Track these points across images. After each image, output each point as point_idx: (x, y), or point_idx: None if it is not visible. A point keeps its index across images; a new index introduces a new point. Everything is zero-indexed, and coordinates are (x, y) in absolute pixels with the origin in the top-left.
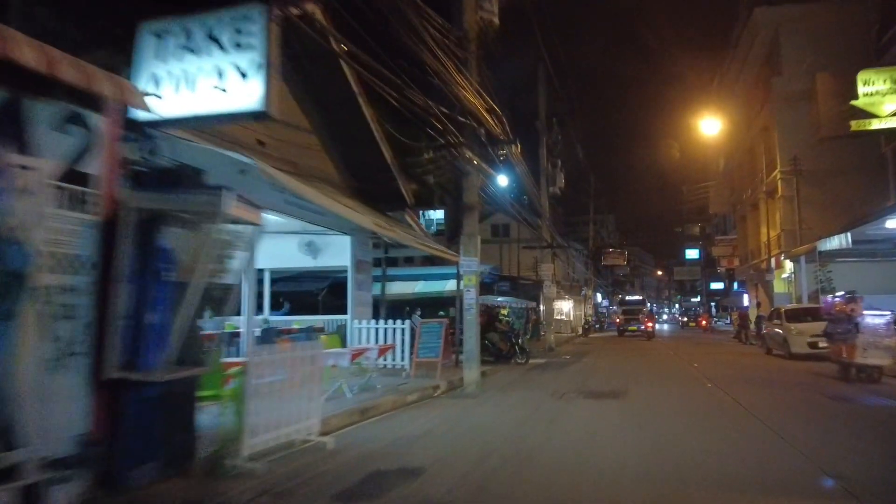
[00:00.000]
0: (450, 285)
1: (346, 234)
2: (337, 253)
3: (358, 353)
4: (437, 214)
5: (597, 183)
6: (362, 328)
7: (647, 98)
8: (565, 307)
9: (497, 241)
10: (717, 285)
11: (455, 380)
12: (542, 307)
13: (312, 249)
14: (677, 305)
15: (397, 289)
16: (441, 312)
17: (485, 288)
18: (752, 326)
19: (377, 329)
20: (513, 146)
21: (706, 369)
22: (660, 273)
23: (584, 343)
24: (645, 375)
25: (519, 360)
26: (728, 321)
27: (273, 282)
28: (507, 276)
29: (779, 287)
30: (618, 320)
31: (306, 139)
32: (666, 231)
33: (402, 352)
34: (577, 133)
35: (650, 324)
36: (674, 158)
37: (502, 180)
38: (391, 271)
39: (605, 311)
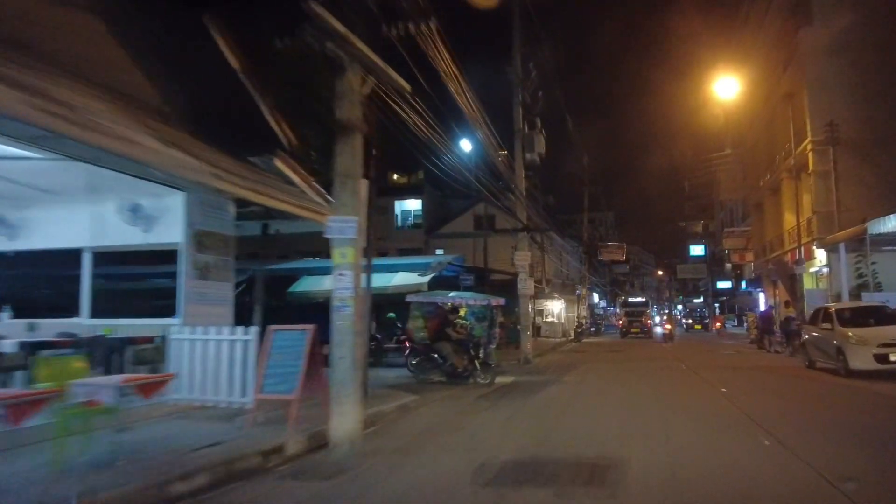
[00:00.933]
0: (413, 279)
1: (178, 189)
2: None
3: (131, 381)
4: (414, 205)
5: (592, 168)
6: (186, 340)
7: (648, 75)
8: (555, 308)
9: (480, 235)
10: (723, 284)
11: (323, 431)
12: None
13: (141, 217)
14: (679, 307)
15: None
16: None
17: (447, 284)
18: (777, 330)
19: (204, 341)
20: (426, 22)
21: (742, 398)
22: (660, 273)
23: (573, 351)
24: (651, 412)
25: (481, 380)
26: (737, 323)
27: (97, 266)
28: (478, 269)
29: (808, 283)
30: (621, 322)
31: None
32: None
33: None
34: (565, 102)
35: (668, 326)
36: (677, 158)
37: (464, 145)
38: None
39: (602, 311)
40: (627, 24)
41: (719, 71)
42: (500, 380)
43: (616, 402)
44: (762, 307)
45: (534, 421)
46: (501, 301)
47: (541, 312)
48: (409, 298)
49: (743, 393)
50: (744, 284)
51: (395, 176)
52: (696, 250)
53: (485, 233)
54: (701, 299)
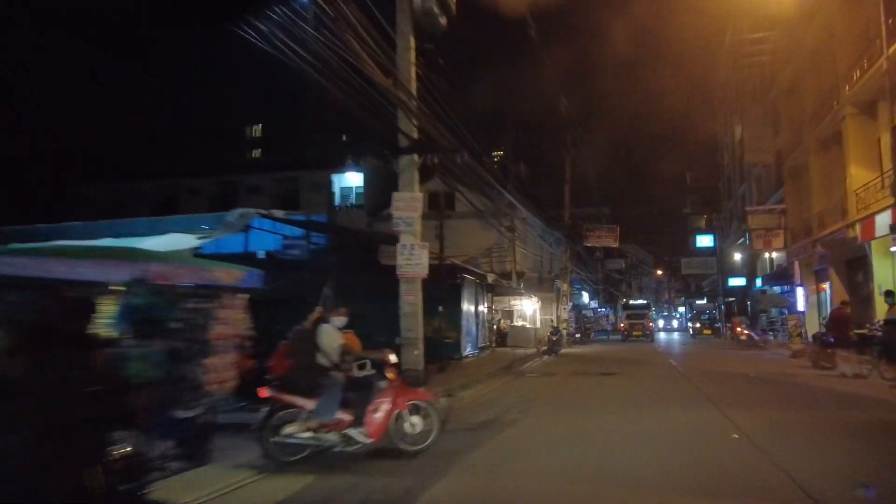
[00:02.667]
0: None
1: None
2: None
3: None
4: (355, 180)
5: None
6: None
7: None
8: (528, 308)
9: (435, 216)
10: (736, 281)
11: None
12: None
13: None
14: (682, 309)
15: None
16: None
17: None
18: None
19: None
20: None
21: None
22: (660, 273)
23: (538, 373)
24: None
25: None
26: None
27: None
28: (354, 233)
29: (882, 268)
30: (622, 325)
31: None
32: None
33: None
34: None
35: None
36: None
37: None
38: None
39: (592, 314)
40: None
41: None
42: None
43: None
44: (801, 305)
45: None
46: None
47: (510, 314)
48: None
49: None
50: (758, 282)
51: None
52: (704, 241)
53: (441, 213)
54: (704, 300)
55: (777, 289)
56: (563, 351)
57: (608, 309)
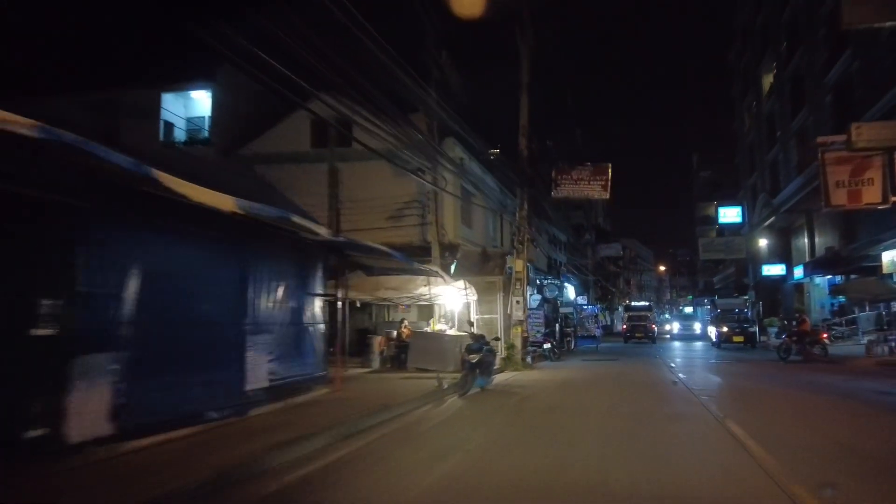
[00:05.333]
0: None
1: None
2: None
3: None
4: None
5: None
6: None
7: None
8: (456, 302)
9: (324, 156)
10: (773, 269)
11: None
12: None
13: None
14: (688, 309)
15: None
16: None
17: None
18: None
19: None
20: None
21: None
22: (662, 269)
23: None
24: None
25: None
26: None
27: None
28: None
29: None
30: (624, 327)
31: None
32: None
33: None
34: None
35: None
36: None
37: None
38: None
39: (573, 311)
40: None
41: None
42: None
43: None
44: None
45: None
46: None
47: (430, 313)
48: None
49: None
50: (798, 271)
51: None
52: (729, 215)
53: (332, 151)
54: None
55: (822, 280)
56: (502, 379)
57: (596, 307)
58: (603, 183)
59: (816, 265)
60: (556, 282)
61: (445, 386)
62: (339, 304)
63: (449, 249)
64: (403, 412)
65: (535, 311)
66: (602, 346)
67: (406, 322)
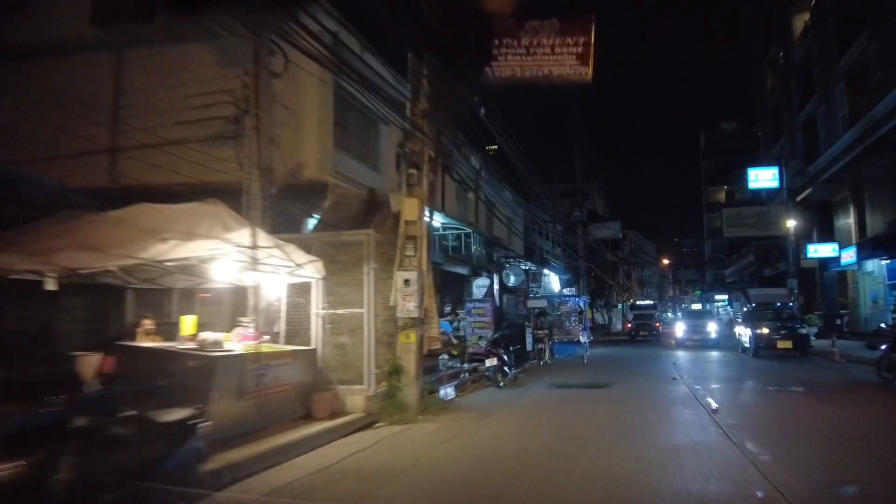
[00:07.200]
0: None
1: None
2: None
3: None
4: None
5: None
6: None
7: None
8: (273, 287)
9: (103, 45)
10: (823, 249)
11: None
12: None
13: None
14: (696, 305)
15: None
16: None
17: None
18: None
19: None
20: None
21: None
22: (666, 262)
23: None
24: None
25: None
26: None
27: None
28: None
29: None
30: (629, 326)
31: None
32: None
33: None
34: None
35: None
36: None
37: None
38: None
39: (550, 307)
40: None
41: None
42: None
43: None
44: None
45: None
46: None
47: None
48: None
49: None
50: (848, 255)
51: None
52: (763, 178)
53: (121, 32)
54: (727, 295)
55: (877, 266)
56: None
57: (583, 299)
58: (579, 51)
59: (878, 244)
60: (523, 264)
61: None
62: None
63: (312, 189)
64: None
65: (478, 304)
66: (593, 355)
67: (148, 324)
